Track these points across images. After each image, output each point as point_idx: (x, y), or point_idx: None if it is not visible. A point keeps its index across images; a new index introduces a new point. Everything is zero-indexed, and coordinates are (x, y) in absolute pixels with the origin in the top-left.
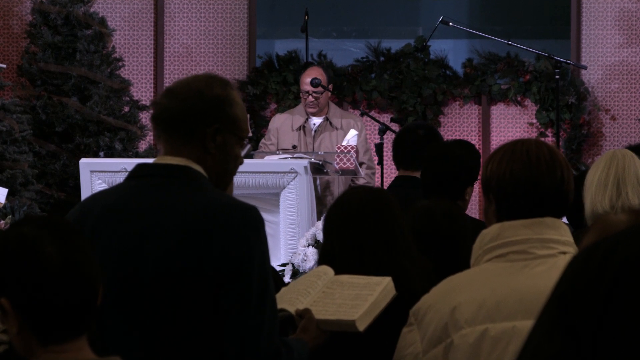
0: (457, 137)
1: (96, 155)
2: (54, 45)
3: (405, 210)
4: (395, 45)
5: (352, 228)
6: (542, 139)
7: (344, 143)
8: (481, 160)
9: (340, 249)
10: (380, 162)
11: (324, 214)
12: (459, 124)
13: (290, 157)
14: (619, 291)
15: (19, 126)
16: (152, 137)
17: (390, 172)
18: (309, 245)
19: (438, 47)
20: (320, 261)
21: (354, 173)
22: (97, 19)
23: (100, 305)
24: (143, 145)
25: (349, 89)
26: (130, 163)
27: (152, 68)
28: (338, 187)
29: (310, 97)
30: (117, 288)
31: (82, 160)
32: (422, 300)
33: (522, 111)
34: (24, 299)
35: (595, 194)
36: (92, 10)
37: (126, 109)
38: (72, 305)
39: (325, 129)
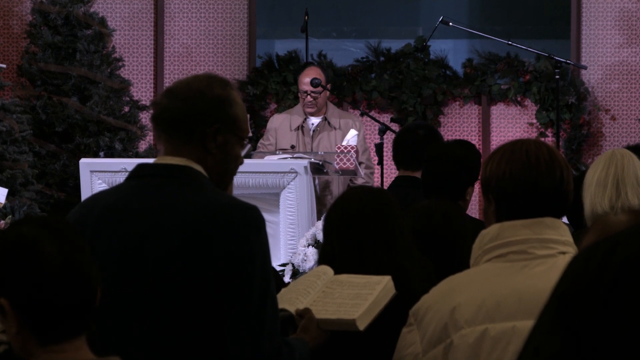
0: (457, 137)
1: (96, 155)
2: (54, 45)
3: (405, 210)
4: (395, 45)
5: (352, 228)
6: (542, 139)
7: (344, 143)
8: (481, 160)
9: (340, 249)
10: (380, 162)
11: (324, 214)
12: (459, 124)
13: (290, 157)
14: (619, 291)
15: (19, 126)
16: (152, 137)
17: (390, 172)
18: (309, 245)
19: (438, 47)
20: (320, 261)
21: (354, 173)
22: (97, 19)
23: (101, 306)
24: (143, 145)
25: (349, 89)
26: (130, 163)
27: (152, 68)
28: (338, 187)
29: (308, 97)
30: (117, 288)
31: (82, 160)
32: (421, 301)
33: (522, 111)
34: (24, 299)
35: (595, 194)
36: (92, 10)
37: (126, 109)
38: (71, 305)
39: (323, 129)
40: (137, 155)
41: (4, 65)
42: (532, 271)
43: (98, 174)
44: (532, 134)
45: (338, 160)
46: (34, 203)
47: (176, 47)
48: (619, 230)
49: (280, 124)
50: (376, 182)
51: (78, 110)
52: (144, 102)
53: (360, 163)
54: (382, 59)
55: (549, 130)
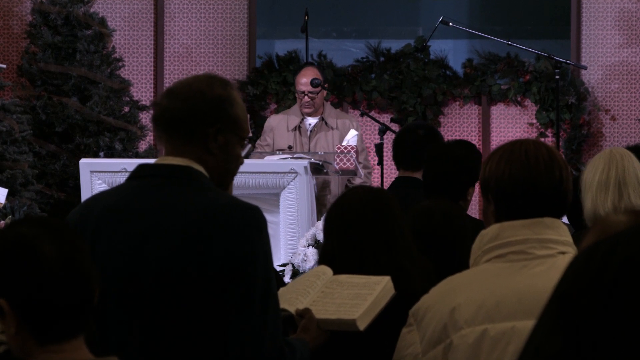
0: (457, 137)
1: (96, 156)
2: (54, 46)
3: (405, 210)
4: (395, 45)
5: (352, 228)
6: (542, 139)
7: (344, 143)
8: (482, 160)
9: (340, 249)
10: (380, 162)
11: (324, 214)
12: (459, 124)
13: (290, 158)
14: (619, 291)
15: (19, 126)
16: (152, 137)
17: (390, 172)
18: (309, 245)
19: (438, 47)
20: (320, 261)
21: (354, 173)
22: (97, 19)
23: (102, 306)
24: (143, 146)
25: (349, 89)
26: (130, 163)
27: (152, 68)
28: (337, 187)
29: (306, 97)
30: (118, 288)
31: (82, 161)
32: (421, 301)
33: (522, 111)
34: (23, 298)
35: (596, 196)
36: (92, 10)
37: (126, 109)
38: (70, 305)
39: (320, 129)
40: (137, 156)
41: (4, 66)
42: (531, 271)
43: (98, 174)
44: (532, 134)
45: (338, 160)
46: (34, 203)
47: (176, 48)
48: (619, 230)
49: (278, 125)
50: (376, 182)
51: (78, 111)
52: (144, 102)
53: (358, 163)
54: (382, 59)
55: (549, 130)
